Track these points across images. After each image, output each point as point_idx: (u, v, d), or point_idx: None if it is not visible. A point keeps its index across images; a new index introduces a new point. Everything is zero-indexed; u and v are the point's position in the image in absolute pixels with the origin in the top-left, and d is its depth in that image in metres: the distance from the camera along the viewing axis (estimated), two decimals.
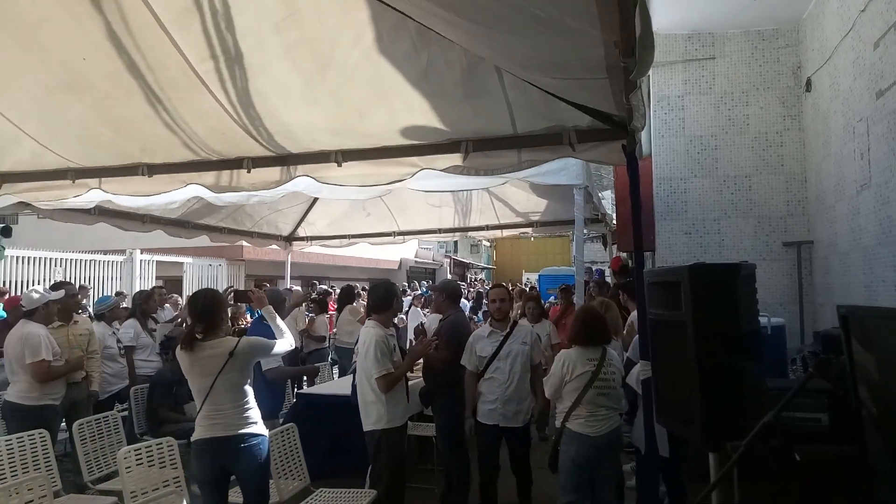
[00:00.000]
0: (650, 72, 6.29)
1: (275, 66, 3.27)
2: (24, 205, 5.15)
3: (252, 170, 4.14)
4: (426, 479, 5.32)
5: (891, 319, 1.81)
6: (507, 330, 4.46)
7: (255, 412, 3.51)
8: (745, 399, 2.59)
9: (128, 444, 4.18)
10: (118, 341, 6.07)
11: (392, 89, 3.42)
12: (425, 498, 4.98)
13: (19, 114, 3.94)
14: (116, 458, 3.80)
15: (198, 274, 13.58)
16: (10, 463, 3.95)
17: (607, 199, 10.85)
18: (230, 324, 7.44)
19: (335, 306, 10.72)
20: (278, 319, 3.87)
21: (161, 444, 3.80)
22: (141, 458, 3.72)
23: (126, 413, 5.56)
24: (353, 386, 4.32)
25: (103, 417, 4.68)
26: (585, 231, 14.16)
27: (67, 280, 9.32)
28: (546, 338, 6.02)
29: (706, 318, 2.59)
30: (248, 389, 3.53)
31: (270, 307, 3.94)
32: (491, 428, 4.37)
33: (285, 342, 3.76)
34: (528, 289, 12.69)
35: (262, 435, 3.51)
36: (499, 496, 4.53)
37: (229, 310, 9.24)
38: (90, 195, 4.56)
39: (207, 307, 3.54)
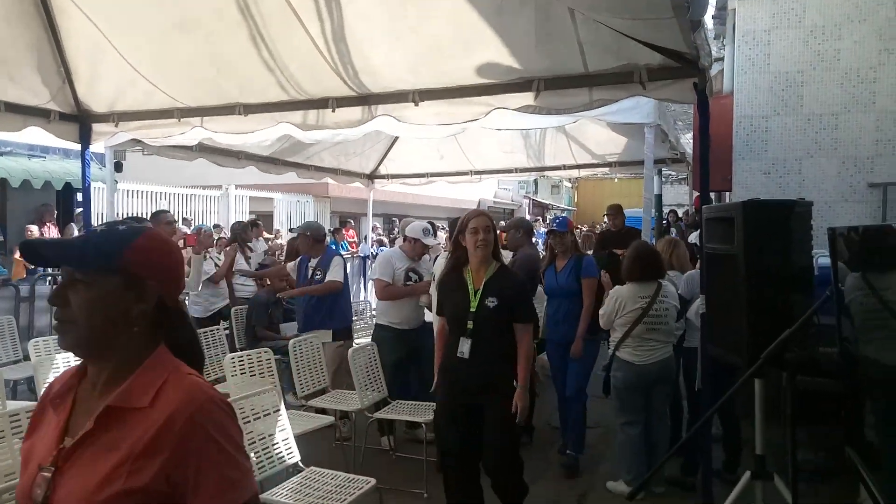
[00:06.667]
0: (736, 6, 6.08)
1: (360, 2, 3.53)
2: (136, 141, 5.72)
3: (336, 109, 4.44)
4: None
5: (870, 236, 1.89)
6: None
7: None
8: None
9: None
10: (215, 266, 6.68)
11: (468, 26, 3.61)
12: None
13: (136, 55, 4.40)
14: (223, 365, 4.36)
15: (287, 209, 14.35)
16: None
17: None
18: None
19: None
20: None
21: (260, 354, 4.31)
22: (243, 366, 4.25)
23: (227, 331, 6.20)
24: None
25: (209, 331, 5.29)
26: (672, 172, 13.71)
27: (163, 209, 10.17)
28: None
29: (757, 253, 2.71)
30: None
31: None
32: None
33: None
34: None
35: None
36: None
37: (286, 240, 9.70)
38: (193, 133, 5.01)
39: None
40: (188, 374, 1.21)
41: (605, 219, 6.90)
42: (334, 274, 5.26)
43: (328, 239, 11.50)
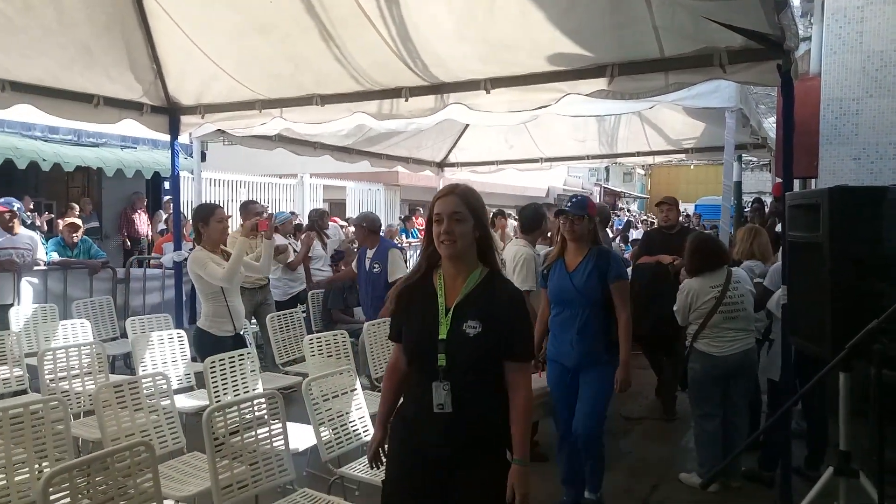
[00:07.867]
0: None
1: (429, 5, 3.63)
2: (221, 132, 6.01)
3: (409, 98, 4.54)
4: None
5: None
6: None
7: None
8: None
9: None
10: (294, 251, 6.94)
11: (538, 25, 3.62)
12: None
13: (218, 53, 4.66)
14: (302, 346, 4.55)
15: (359, 198, 14.67)
16: None
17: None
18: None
19: None
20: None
21: (336, 335, 4.47)
22: (321, 347, 4.43)
23: (305, 314, 6.45)
24: None
25: (288, 314, 5.52)
26: (753, 158, 13.11)
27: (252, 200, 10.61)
28: None
29: (844, 241, 2.61)
30: (200, 297, 4.18)
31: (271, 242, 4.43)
32: None
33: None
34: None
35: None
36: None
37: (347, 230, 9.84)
38: (274, 123, 5.24)
39: None
40: None
41: (660, 212, 5.62)
42: (397, 271, 5.29)
43: (399, 227, 11.87)
